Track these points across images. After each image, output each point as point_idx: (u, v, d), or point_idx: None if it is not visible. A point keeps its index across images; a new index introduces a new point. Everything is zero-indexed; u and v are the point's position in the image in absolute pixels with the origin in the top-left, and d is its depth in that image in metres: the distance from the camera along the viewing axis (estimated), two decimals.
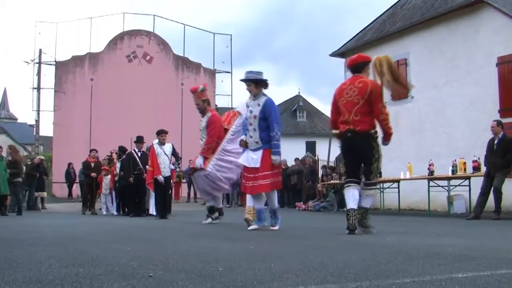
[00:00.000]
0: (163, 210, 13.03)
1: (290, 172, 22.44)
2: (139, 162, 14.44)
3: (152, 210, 14.03)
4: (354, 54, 22.51)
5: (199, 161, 9.67)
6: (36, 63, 33.45)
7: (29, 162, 20.91)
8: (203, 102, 10.13)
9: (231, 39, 36.98)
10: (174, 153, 13.32)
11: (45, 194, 20.71)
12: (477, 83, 16.07)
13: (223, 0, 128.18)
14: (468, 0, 16.51)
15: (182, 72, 35.22)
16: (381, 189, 16.51)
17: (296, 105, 51.12)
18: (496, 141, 11.89)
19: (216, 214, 10.22)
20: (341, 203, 18.94)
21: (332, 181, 19.48)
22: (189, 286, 3.06)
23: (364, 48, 21.57)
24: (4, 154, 16.04)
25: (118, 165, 16.17)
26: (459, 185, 13.58)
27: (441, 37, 17.80)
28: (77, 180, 24.45)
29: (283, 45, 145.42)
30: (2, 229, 9.18)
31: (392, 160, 17.12)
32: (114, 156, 17.58)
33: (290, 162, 23.26)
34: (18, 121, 78.03)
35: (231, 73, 36.79)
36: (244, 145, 8.17)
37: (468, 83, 16.41)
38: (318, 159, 26.96)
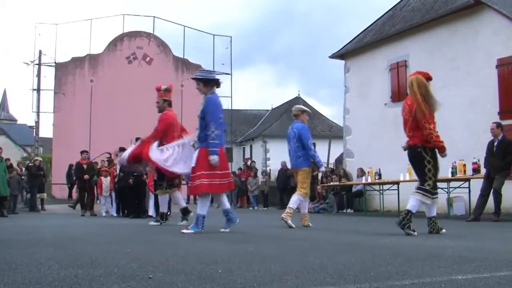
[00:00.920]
0: (163, 212, 13.01)
1: (289, 174, 22.42)
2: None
3: (152, 211, 14.03)
4: (353, 56, 22.76)
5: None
6: (36, 64, 33.46)
7: (30, 164, 20.92)
8: (163, 102, 10.16)
9: (231, 41, 36.98)
10: None
11: (45, 195, 20.71)
12: (477, 84, 16.08)
13: (223, 1, 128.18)
14: (468, 2, 16.52)
15: (182, 74, 35.18)
16: (381, 191, 16.52)
17: None
18: (495, 143, 11.90)
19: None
20: (341, 204, 19.01)
21: (331, 183, 19.49)
22: (188, 287, 3.06)
23: (364, 50, 21.62)
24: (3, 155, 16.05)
25: (118, 166, 16.16)
26: (458, 187, 13.59)
27: (441, 39, 17.81)
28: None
29: (282, 46, 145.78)
30: (2, 230, 9.17)
31: (392, 162, 17.12)
32: (114, 157, 17.57)
33: (290, 164, 23.24)
34: (18, 122, 78.02)
35: (231, 74, 36.78)
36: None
37: (468, 85, 16.42)
38: None
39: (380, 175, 16.53)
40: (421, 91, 7.60)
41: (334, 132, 38.34)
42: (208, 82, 7.93)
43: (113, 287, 3.06)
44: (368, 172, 17.38)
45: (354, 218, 10.89)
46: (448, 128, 16.85)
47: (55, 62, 33.42)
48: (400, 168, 15.93)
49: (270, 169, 26.02)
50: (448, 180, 13.73)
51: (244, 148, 52.88)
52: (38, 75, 33.35)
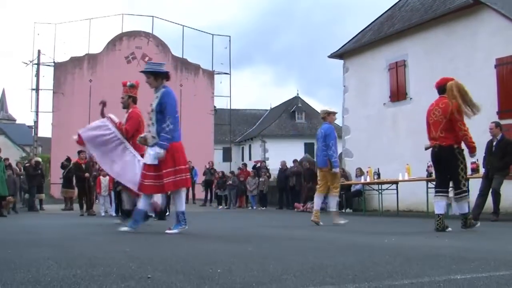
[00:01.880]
0: (161, 211, 13.01)
1: (288, 174, 22.45)
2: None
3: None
4: (352, 55, 22.75)
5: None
6: (35, 64, 33.45)
7: (27, 164, 20.90)
8: (128, 98, 10.02)
9: (229, 41, 37.04)
10: None
11: (43, 196, 20.68)
12: (476, 84, 16.03)
13: (222, 0, 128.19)
14: (467, 1, 16.52)
15: (181, 73, 35.21)
16: (380, 191, 16.52)
17: (295, 106, 51.22)
18: (494, 143, 11.90)
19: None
20: (340, 204, 19.00)
21: None
22: (187, 287, 3.06)
23: (362, 50, 21.62)
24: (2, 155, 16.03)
25: None
26: None
27: (440, 39, 17.82)
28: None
29: (282, 46, 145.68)
30: (1, 230, 9.17)
31: (391, 162, 17.16)
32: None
33: (289, 164, 23.25)
34: (17, 122, 77.95)
35: (230, 74, 36.83)
36: (143, 142, 7.73)
37: (467, 85, 16.14)
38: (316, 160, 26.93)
39: (379, 175, 16.53)
40: (462, 95, 8.30)
41: None
42: (159, 75, 7.75)
43: (112, 287, 3.06)
44: (367, 172, 17.38)
45: (353, 218, 10.92)
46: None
47: (54, 62, 33.42)
48: (399, 167, 15.96)
49: (269, 169, 25.93)
50: None
51: (243, 148, 52.94)
52: (37, 75, 33.37)
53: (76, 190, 18.92)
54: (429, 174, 14.16)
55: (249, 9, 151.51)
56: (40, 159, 22.83)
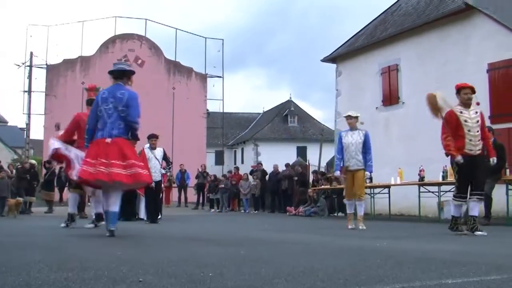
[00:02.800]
0: (154, 214, 12.99)
1: (281, 177, 22.45)
2: None
3: (143, 214, 13.99)
4: (345, 59, 22.81)
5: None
6: (27, 66, 33.39)
7: (19, 166, 20.78)
8: (87, 101, 10.16)
9: (222, 44, 37.07)
10: (165, 157, 13.34)
11: (33, 199, 20.51)
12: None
13: (216, 3, 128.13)
14: (459, 6, 16.61)
15: (174, 76, 35.21)
16: (372, 195, 16.55)
17: (288, 110, 51.22)
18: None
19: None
20: (332, 208, 19.02)
21: (323, 186, 19.50)
22: None
23: (355, 54, 21.68)
24: None
25: None
26: (449, 190, 13.57)
27: (432, 43, 17.89)
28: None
29: (275, 49, 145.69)
30: None
31: (383, 166, 17.16)
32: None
33: (281, 167, 23.25)
34: (9, 124, 77.48)
35: (223, 77, 36.86)
36: None
37: None
38: (309, 164, 26.99)
39: (371, 179, 16.51)
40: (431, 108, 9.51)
41: (325, 136, 38.38)
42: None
43: None
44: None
45: (345, 221, 10.94)
46: (439, 131, 16.90)
47: (46, 64, 33.38)
48: (391, 171, 16.00)
49: (265, 170, 25.88)
50: (439, 184, 13.78)
51: (235, 151, 52.90)
52: (30, 77, 33.31)
53: (57, 193, 18.77)
54: (421, 178, 14.21)
55: (243, 12, 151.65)
56: (34, 162, 22.70)
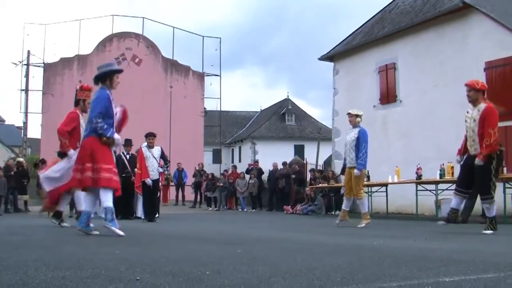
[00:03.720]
0: (151, 213, 12.99)
1: (278, 176, 22.44)
2: (128, 165, 14.36)
3: (140, 213, 13.98)
4: (342, 58, 22.81)
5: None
6: (24, 64, 33.38)
7: (3, 165, 20.72)
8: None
9: (220, 42, 37.08)
10: (162, 156, 13.33)
11: (27, 197, 20.40)
12: (465, 87, 16.14)
13: (213, 1, 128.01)
14: (457, 5, 16.61)
15: (171, 75, 35.21)
16: (369, 193, 16.55)
17: (285, 108, 51.22)
18: None
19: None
20: (329, 206, 19.02)
21: (320, 185, 19.50)
22: None
23: (353, 52, 21.68)
24: None
25: None
26: (446, 189, 13.61)
27: (430, 42, 17.89)
28: None
29: (272, 47, 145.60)
30: None
31: (380, 164, 17.17)
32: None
33: (279, 166, 23.25)
34: (6, 123, 77.45)
35: (220, 76, 36.87)
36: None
37: (456, 88, 16.45)
38: (306, 162, 27.00)
39: (368, 177, 16.54)
40: None
41: (323, 134, 38.43)
42: None
43: None
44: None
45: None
46: (437, 130, 16.96)
47: (43, 63, 33.36)
48: (388, 170, 16.00)
49: (261, 169, 25.86)
50: (436, 182, 13.80)
51: (233, 150, 52.90)
52: (27, 76, 33.27)
53: None
54: (419, 177, 14.22)
55: (240, 10, 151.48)
56: (22, 160, 22.62)
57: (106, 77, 7.52)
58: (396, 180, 15.14)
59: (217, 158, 38.38)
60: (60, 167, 9.42)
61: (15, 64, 33.78)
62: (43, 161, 16.83)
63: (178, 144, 31.36)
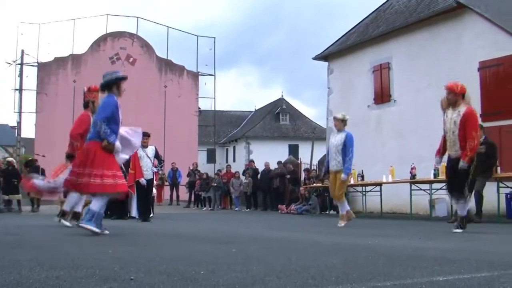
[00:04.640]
0: (145, 212, 12.97)
1: (272, 175, 22.44)
2: (122, 165, 14.32)
3: (134, 212, 13.95)
4: (337, 57, 22.82)
5: None
6: (18, 64, 33.28)
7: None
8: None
9: (214, 42, 37.07)
10: (157, 156, 13.32)
11: (19, 196, 20.28)
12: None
13: (208, 0, 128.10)
14: (451, 5, 16.65)
15: (165, 75, 35.20)
16: (364, 192, 16.57)
17: (279, 108, 51.24)
18: None
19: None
20: (323, 206, 19.04)
21: (314, 184, 19.51)
22: None
23: (347, 52, 21.70)
24: None
25: None
26: (440, 188, 13.65)
27: (424, 42, 17.93)
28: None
29: (267, 47, 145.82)
30: None
31: (375, 164, 17.20)
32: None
33: (273, 165, 23.25)
34: (0, 122, 77.32)
35: (215, 75, 36.84)
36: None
37: None
38: (300, 162, 27.01)
39: (362, 177, 16.58)
40: None
41: (317, 134, 38.44)
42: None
43: None
44: (351, 174, 17.41)
45: (336, 219, 10.98)
46: (431, 129, 16.95)
47: (37, 62, 33.28)
48: (382, 169, 16.02)
49: (257, 169, 25.85)
50: (430, 182, 13.82)
51: (227, 149, 52.90)
52: (20, 75, 33.19)
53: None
54: (413, 176, 14.24)
55: (235, 10, 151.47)
56: (12, 159, 22.54)
57: (112, 85, 7.62)
58: (390, 179, 15.16)
59: (211, 158, 38.35)
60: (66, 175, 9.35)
61: (9, 63, 33.70)
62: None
63: (173, 143, 31.37)
